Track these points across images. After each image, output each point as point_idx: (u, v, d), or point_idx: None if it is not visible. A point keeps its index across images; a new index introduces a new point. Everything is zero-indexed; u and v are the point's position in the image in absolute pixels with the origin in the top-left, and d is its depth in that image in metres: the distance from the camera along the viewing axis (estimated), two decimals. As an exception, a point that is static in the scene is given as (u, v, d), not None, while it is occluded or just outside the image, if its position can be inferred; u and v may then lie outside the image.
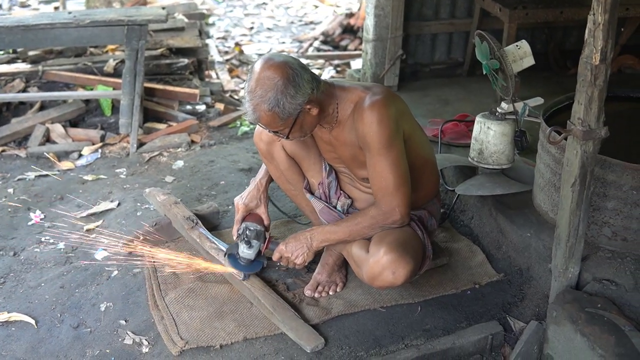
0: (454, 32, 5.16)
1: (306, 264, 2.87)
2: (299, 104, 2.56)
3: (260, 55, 7.49)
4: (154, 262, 3.23)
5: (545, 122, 3.10)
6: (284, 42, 8.31)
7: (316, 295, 3.01)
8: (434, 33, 5.10)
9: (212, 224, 3.54)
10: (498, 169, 3.41)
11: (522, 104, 3.35)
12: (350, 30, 7.95)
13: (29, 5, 8.58)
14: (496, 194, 3.32)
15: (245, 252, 2.94)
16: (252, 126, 5.09)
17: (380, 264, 2.63)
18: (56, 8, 7.78)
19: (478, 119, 3.39)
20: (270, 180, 3.13)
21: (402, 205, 2.70)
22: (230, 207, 3.80)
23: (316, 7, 9.79)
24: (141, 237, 3.34)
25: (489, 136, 3.33)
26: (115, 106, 5.03)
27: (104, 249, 3.43)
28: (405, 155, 2.71)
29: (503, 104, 3.39)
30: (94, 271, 3.26)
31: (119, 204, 3.93)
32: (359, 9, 8.07)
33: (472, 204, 3.53)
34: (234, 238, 3.01)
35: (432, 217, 3.01)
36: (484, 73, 3.42)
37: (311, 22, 9.13)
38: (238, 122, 5.18)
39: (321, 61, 7.32)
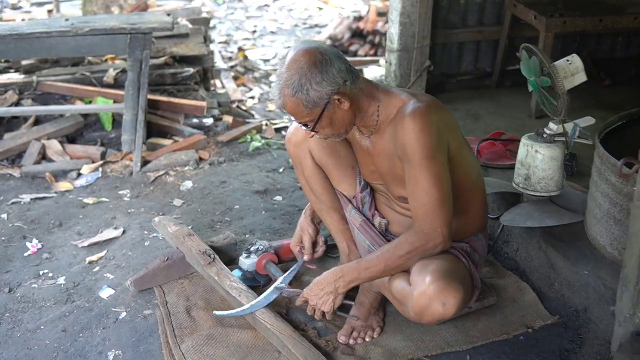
0: (482, 40, 4.90)
1: (335, 309, 2.67)
2: (326, 94, 2.38)
3: (265, 61, 7.25)
4: (166, 302, 2.95)
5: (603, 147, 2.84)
6: (289, 47, 8.01)
7: (351, 342, 2.75)
8: (461, 42, 4.83)
9: (230, 256, 3.27)
10: (546, 197, 3.14)
11: (572, 124, 3.10)
12: (359, 35, 7.69)
13: (20, 8, 8.27)
14: (547, 225, 3.05)
15: (241, 260, 3.06)
16: (263, 141, 4.82)
17: (427, 296, 2.39)
18: (50, 11, 7.48)
19: (525, 141, 3.13)
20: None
21: (444, 225, 2.46)
22: (247, 236, 3.53)
23: (320, 9, 9.53)
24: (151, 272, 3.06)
25: (537, 161, 3.08)
26: (116, 120, 4.74)
27: (109, 287, 3.14)
28: (449, 172, 2.48)
29: (551, 125, 3.14)
30: (100, 312, 2.98)
31: (124, 232, 3.65)
32: (368, 13, 7.81)
33: (517, 235, 3.26)
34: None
35: (476, 253, 2.73)
36: (530, 90, 3.17)
37: (316, 26, 8.89)
38: (248, 137, 4.91)
39: (330, 68, 7.02)
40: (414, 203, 2.49)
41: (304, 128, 2.54)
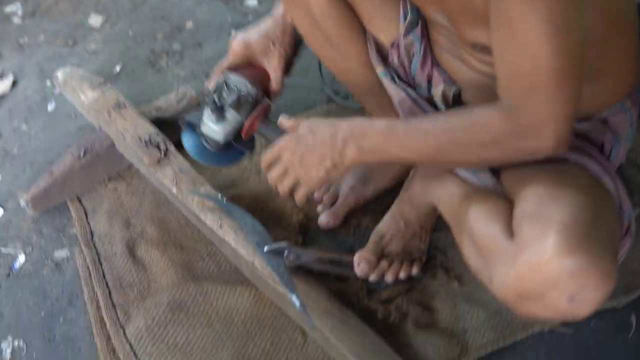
0: None
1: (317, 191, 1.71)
2: None
3: None
4: (91, 233, 1.78)
5: None
6: None
7: (372, 277, 1.60)
8: None
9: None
10: None
11: None
12: None
13: None
14: None
15: (211, 126, 1.62)
16: None
17: (545, 273, 1.08)
18: None
19: None
20: None
21: (561, 117, 1.18)
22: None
23: None
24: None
25: None
26: None
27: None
28: (582, 14, 1.15)
29: None
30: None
31: (14, 83, 2.38)
32: None
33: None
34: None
35: (618, 139, 1.47)
36: None
37: None
38: None
39: None
40: (505, 67, 1.21)
41: None
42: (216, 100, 1.60)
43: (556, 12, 1.10)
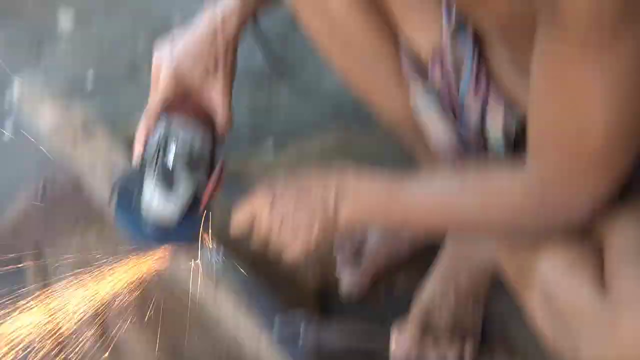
0: None
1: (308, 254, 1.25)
2: None
3: None
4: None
5: None
6: None
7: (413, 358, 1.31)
8: None
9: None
10: None
11: None
12: None
13: None
14: None
15: (161, 203, 1.20)
16: None
17: None
18: None
19: None
20: (247, 18, 1.30)
21: (598, 198, 0.97)
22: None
23: None
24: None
25: None
26: None
27: None
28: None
29: None
30: None
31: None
32: None
33: None
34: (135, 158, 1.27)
35: None
36: None
37: None
38: None
39: None
40: (542, 122, 0.98)
41: None
42: (168, 162, 1.21)
43: (627, 75, 0.85)
